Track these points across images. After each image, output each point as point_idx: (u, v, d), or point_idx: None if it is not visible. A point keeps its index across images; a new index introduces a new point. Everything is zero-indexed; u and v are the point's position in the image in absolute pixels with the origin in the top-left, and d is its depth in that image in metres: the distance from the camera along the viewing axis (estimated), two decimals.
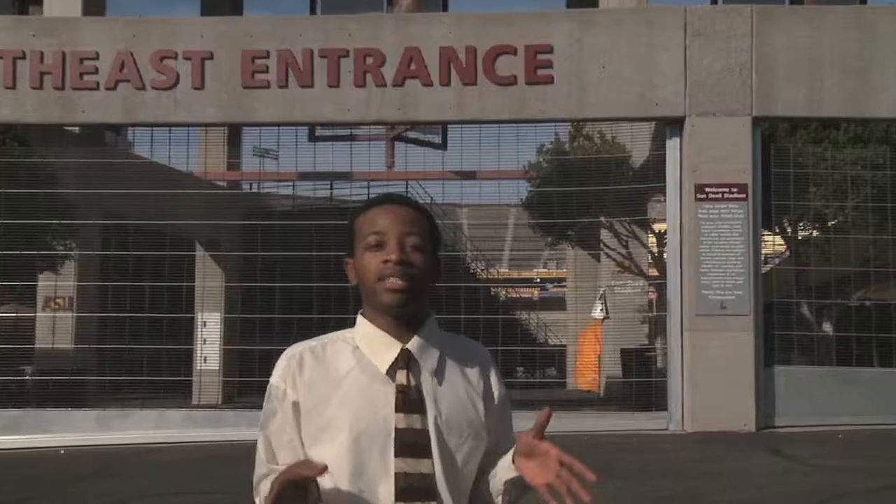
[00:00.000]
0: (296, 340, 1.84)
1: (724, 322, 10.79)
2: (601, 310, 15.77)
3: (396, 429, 1.74)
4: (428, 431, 1.76)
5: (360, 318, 1.84)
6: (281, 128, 12.72)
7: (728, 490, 7.54)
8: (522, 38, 11.16)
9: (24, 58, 11.26)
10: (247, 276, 13.32)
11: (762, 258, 12.10)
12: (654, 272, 16.14)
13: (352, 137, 15.88)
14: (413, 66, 11.16)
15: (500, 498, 1.82)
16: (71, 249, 13.69)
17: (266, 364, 1.88)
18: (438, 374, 1.81)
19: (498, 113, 11.29)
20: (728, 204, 10.93)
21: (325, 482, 1.71)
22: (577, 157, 14.45)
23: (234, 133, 15.45)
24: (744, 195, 10.94)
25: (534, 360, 17.57)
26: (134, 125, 12.49)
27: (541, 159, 15.81)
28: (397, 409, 1.75)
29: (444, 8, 19.18)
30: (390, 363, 1.78)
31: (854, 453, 9.26)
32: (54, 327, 12.94)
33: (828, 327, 13.61)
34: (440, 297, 11.36)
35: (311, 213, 15.64)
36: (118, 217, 12.84)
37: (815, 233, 14.03)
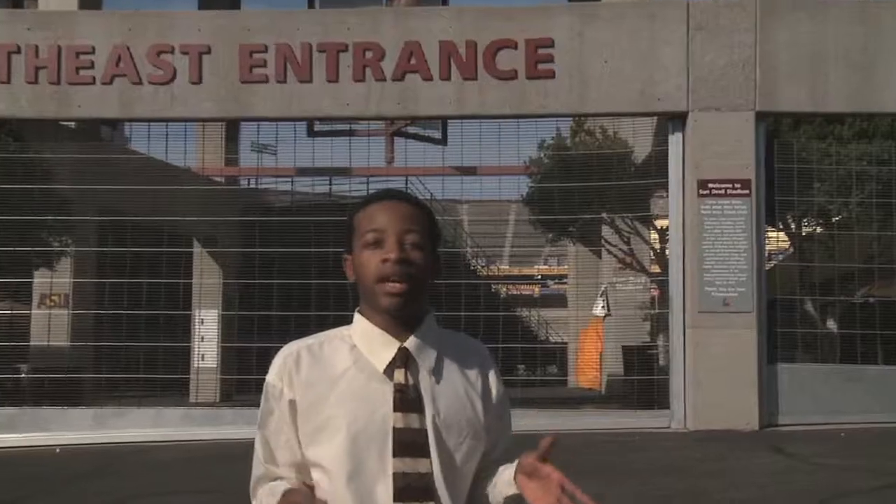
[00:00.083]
0: (294, 338, 1.82)
1: (726, 319, 10.73)
2: (603, 307, 15.72)
3: (394, 428, 1.73)
4: (426, 431, 1.74)
5: (357, 316, 1.82)
6: (279, 123, 12.70)
7: (730, 489, 7.51)
8: (523, 32, 11.10)
9: (18, 52, 11.18)
10: (245, 272, 13.31)
11: (765, 255, 12.07)
12: (656, 269, 16.14)
13: (351, 133, 15.84)
14: (413, 61, 11.10)
15: None
16: (67, 246, 13.68)
17: (264, 361, 1.84)
18: (437, 372, 1.79)
19: (498, 108, 11.24)
20: (731, 200, 10.88)
21: (322, 482, 1.72)
22: (578, 153, 14.44)
23: (232, 128, 15.41)
24: (747, 191, 10.88)
25: (535, 358, 17.55)
26: (130, 120, 12.47)
27: (542, 155, 15.79)
28: (395, 409, 1.74)
29: (444, 2, 19.04)
30: (388, 362, 1.76)
31: (857, 452, 9.23)
32: (50, 325, 12.91)
33: (832, 324, 13.60)
34: (440, 294, 11.31)
35: (309, 209, 15.62)
36: (115, 213, 12.79)
37: (818, 229, 14.05)
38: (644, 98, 11.09)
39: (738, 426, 10.43)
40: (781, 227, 14.13)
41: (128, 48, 11.17)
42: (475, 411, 1.81)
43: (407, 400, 1.74)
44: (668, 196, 11.43)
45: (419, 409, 1.75)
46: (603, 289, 16.14)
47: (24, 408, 11.22)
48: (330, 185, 18.81)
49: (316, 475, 1.76)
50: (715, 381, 10.60)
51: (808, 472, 8.32)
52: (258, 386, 1.83)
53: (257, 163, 16.63)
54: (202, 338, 15.12)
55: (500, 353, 11.11)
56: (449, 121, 14.40)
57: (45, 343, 12.85)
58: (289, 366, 1.77)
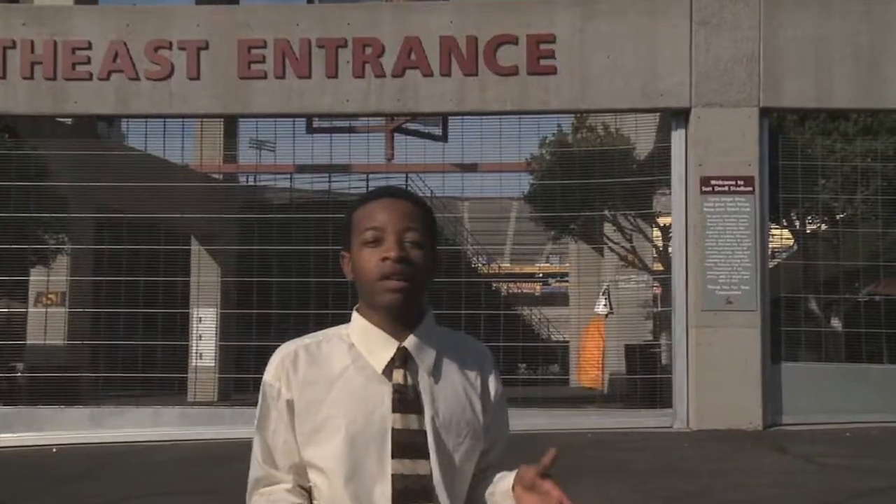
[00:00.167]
0: (293, 336, 1.81)
1: (730, 318, 10.68)
2: (605, 305, 15.65)
3: (393, 429, 1.72)
4: (425, 432, 1.73)
5: (355, 315, 1.81)
6: (278, 119, 12.68)
7: (733, 489, 7.49)
8: (524, 27, 11.07)
9: (14, 47, 11.16)
10: (243, 270, 13.30)
11: (769, 252, 12.03)
12: (658, 267, 16.13)
13: (350, 129, 15.82)
14: (413, 57, 11.08)
15: None
16: (63, 243, 13.65)
17: (263, 360, 1.82)
18: (436, 372, 1.78)
19: (499, 104, 11.19)
20: (734, 197, 10.83)
21: (320, 484, 1.72)
22: (580, 150, 14.41)
23: (231, 125, 15.37)
24: (750, 188, 10.83)
25: (536, 357, 17.54)
26: (128, 116, 12.45)
27: (543, 151, 15.79)
28: (394, 410, 1.73)
29: None
30: (387, 362, 1.75)
31: (862, 452, 9.21)
32: (46, 323, 12.84)
33: (836, 323, 13.59)
34: (440, 293, 11.26)
35: (308, 207, 15.53)
36: (112, 210, 12.82)
37: (823, 226, 14.04)
38: (646, 94, 11.04)
39: (742, 426, 10.39)
40: (785, 224, 14.13)
41: (125, 43, 11.15)
42: (474, 412, 1.80)
43: (406, 400, 1.73)
44: (670, 193, 11.38)
45: (418, 410, 1.73)
46: (605, 287, 16.08)
47: (20, 407, 11.19)
48: (329, 182, 18.75)
49: (314, 476, 1.74)
50: (718, 381, 10.56)
51: (812, 472, 8.29)
52: (257, 385, 1.82)
53: (256, 160, 16.63)
54: (200, 336, 15.06)
55: (501, 352, 11.09)
56: (449, 117, 14.39)
57: (42, 342, 12.79)
58: (286, 366, 1.76)
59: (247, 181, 18.83)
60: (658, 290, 16.43)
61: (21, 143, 12.24)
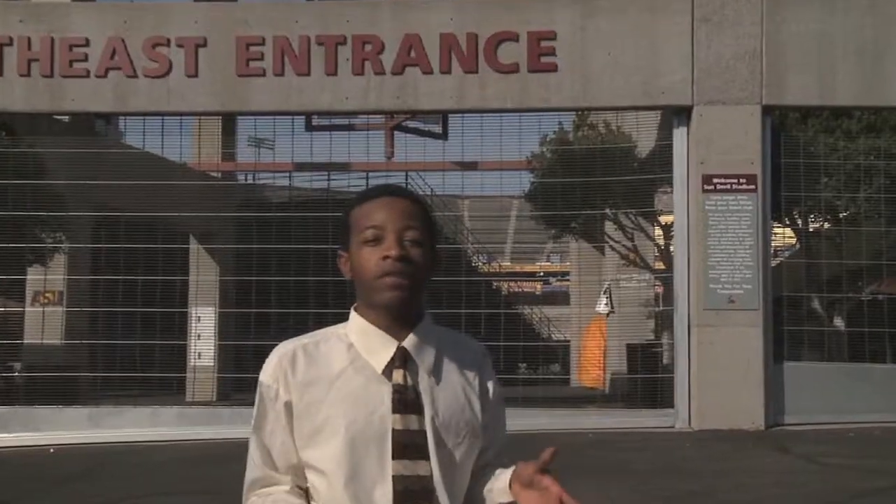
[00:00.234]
0: (292, 335, 1.80)
1: (732, 317, 10.65)
2: (606, 304, 15.63)
3: (393, 430, 1.71)
4: (425, 432, 1.73)
5: (353, 314, 1.80)
6: (277, 117, 12.67)
7: (735, 490, 7.46)
8: (525, 24, 11.02)
9: (10, 44, 11.10)
10: (242, 269, 13.30)
11: (771, 251, 12.04)
12: (660, 265, 16.12)
13: (350, 127, 15.79)
14: (413, 54, 11.05)
15: None
16: (60, 242, 13.64)
17: (262, 360, 1.80)
18: (436, 372, 1.78)
19: (500, 102, 11.15)
20: (736, 195, 10.79)
21: (320, 486, 1.71)
22: (581, 147, 14.40)
23: (229, 122, 15.38)
24: (753, 186, 10.79)
25: (537, 357, 17.53)
26: (125, 114, 12.44)
27: (544, 149, 15.79)
28: (394, 410, 1.72)
29: None
30: (387, 362, 1.75)
31: (865, 452, 9.19)
32: (44, 322, 12.85)
33: (839, 322, 13.59)
34: (440, 292, 11.21)
35: (307, 205, 15.52)
36: (109, 209, 12.77)
37: (826, 225, 14.05)
38: (648, 91, 11.00)
39: (744, 426, 10.37)
40: (788, 223, 14.13)
41: (122, 41, 11.10)
42: (473, 411, 1.80)
43: (406, 401, 1.73)
44: (672, 191, 11.36)
45: (418, 411, 1.73)
46: (606, 286, 16.07)
47: (17, 407, 11.14)
48: (328, 180, 18.72)
49: (313, 478, 1.73)
50: (720, 380, 10.53)
51: (814, 472, 8.28)
52: (256, 385, 1.81)
53: (254, 158, 16.61)
54: (199, 335, 15.04)
55: (502, 352, 11.08)
56: (449, 115, 14.38)
57: (39, 341, 12.82)
58: (284, 366, 1.75)
59: (245, 179, 18.87)
60: (659, 289, 16.42)
61: (18, 140, 12.24)
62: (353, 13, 11.20)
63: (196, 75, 11.09)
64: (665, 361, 12.95)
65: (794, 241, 15.02)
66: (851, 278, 13.17)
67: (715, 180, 10.78)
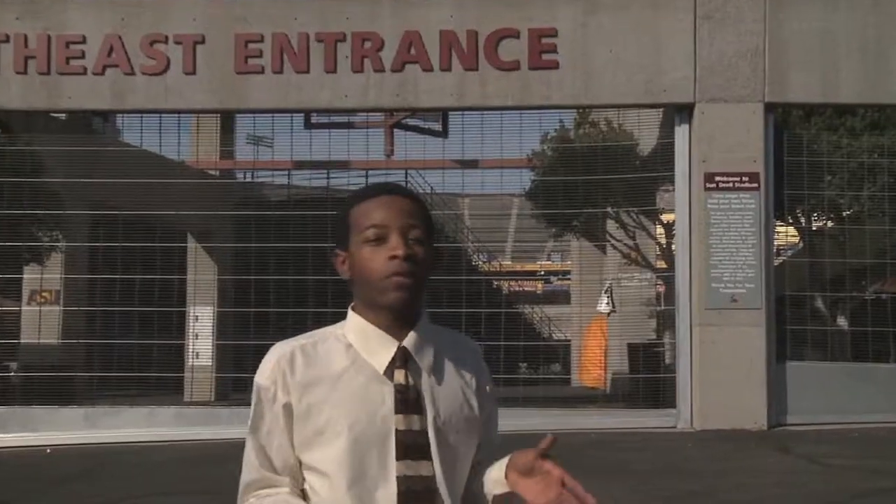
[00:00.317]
0: (292, 335, 1.78)
1: (734, 316, 10.62)
2: (607, 303, 15.58)
3: (396, 430, 1.70)
4: (427, 432, 1.71)
5: (351, 313, 1.79)
6: (275, 115, 12.66)
7: (736, 489, 7.44)
8: (526, 21, 10.99)
9: (7, 41, 11.07)
10: (240, 268, 13.30)
11: (774, 250, 12.04)
12: (662, 264, 16.10)
13: (349, 125, 15.74)
14: (413, 51, 11.02)
15: None
16: (57, 241, 13.69)
17: (260, 359, 1.78)
18: (436, 372, 1.77)
19: (501, 99, 11.13)
20: (739, 193, 10.76)
21: (321, 488, 1.70)
22: (582, 145, 14.38)
23: (227, 120, 15.39)
24: (755, 184, 10.76)
25: (537, 356, 17.51)
26: (123, 112, 12.44)
27: (545, 147, 15.78)
28: (397, 410, 1.71)
29: None
30: (388, 362, 1.73)
31: (867, 452, 9.15)
32: (40, 322, 12.87)
33: (842, 321, 13.58)
34: (441, 291, 11.17)
35: (306, 203, 15.50)
36: (106, 207, 12.75)
37: (829, 223, 14.06)
38: (650, 89, 10.97)
39: (746, 426, 10.34)
40: (791, 221, 14.12)
41: (120, 38, 11.07)
42: (472, 409, 1.80)
43: (408, 401, 1.72)
44: (674, 190, 11.33)
45: (420, 411, 1.72)
46: (607, 285, 16.02)
47: (14, 407, 11.11)
48: (328, 178, 18.73)
49: (312, 480, 1.72)
50: (722, 380, 10.49)
51: (817, 472, 8.24)
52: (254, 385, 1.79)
53: (253, 156, 16.59)
54: (196, 335, 15.05)
55: (502, 351, 11.07)
56: (450, 113, 14.36)
57: (36, 340, 12.85)
58: (282, 367, 1.73)
59: (244, 178, 18.89)
60: (661, 288, 16.40)
61: (14, 138, 12.26)
62: (352, 10, 11.15)
63: (194, 73, 11.05)
64: (667, 361, 12.93)
65: (796, 239, 15.01)
66: (855, 277, 13.18)
67: (717, 178, 10.75)
